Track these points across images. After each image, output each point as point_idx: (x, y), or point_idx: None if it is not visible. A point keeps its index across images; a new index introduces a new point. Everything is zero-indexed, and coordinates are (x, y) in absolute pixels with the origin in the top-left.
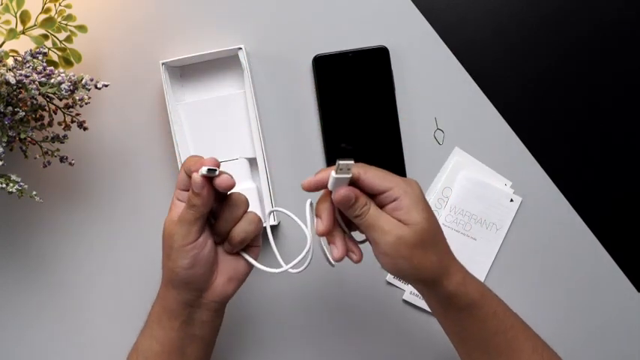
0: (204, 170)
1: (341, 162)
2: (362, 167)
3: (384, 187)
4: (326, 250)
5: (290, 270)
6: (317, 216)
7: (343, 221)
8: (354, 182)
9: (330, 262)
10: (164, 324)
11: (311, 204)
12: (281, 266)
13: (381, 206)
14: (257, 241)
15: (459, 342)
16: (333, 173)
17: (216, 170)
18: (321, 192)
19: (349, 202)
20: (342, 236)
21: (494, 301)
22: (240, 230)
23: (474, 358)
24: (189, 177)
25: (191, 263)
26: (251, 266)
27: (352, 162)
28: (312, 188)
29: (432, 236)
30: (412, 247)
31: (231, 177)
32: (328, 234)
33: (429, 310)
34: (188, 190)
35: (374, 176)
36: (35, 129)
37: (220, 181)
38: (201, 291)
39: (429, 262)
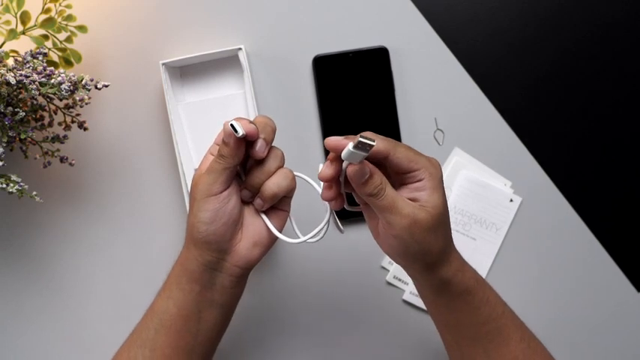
0: (239, 128)
1: (362, 139)
2: (391, 144)
3: (412, 167)
4: (336, 218)
5: (309, 240)
6: (321, 179)
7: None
8: (380, 159)
9: (339, 229)
10: (183, 286)
11: None
12: (298, 237)
13: (403, 184)
14: (286, 205)
15: (448, 330)
16: (350, 145)
17: (239, 129)
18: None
19: (362, 177)
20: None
21: (487, 288)
22: (273, 184)
23: (463, 346)
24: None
25: (212, 217)
26: (273, 231)
27: (374, 143)
28: (331, 148)
29: (444, 219)
30: (426, 230)
31: (267, 144)
32: (333, 199)
33: None
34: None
35: (404, 156)
36: (35, 129)
37: (257, 148)
38: (223, 252)
39: (436, 246)
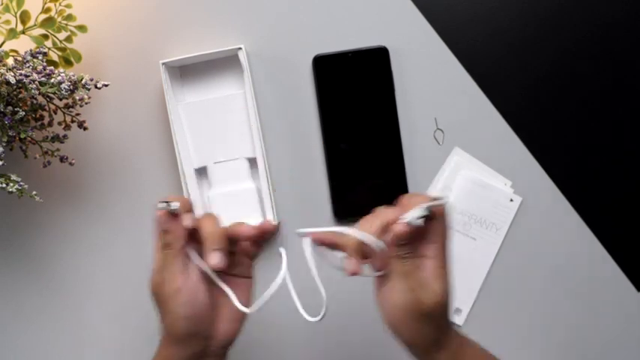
0: (173, 205)
1: (436, 202)
2: (447, 210)
3: (438, 242)
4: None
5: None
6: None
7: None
8: (429, 219)
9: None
10: None
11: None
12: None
13: (417, 256)
14: (246, 271)
15: None
16: (417, 214)
17: (172, 203)
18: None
19: (403, 240)
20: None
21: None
22: (208, 225)
23: None
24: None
25: (189, 309)
26: (248, 299)
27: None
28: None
29: (443, 310)
30: (425, 315)
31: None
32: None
33: None
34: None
35: (443, 228)
36: (35, 129)
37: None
38: (208, 339)
39: (431, 333)
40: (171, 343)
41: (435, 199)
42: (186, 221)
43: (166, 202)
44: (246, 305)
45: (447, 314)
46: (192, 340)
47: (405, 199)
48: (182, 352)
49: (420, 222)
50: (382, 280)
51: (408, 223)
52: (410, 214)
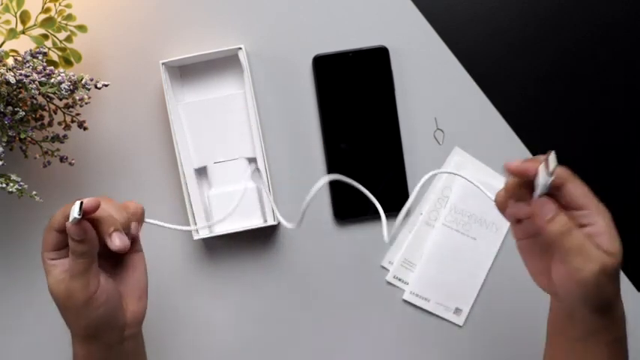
0: (75, 213)
1: (552, 165)
2: (568, 173)
3: (584, 204)
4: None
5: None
6: (508, 216)
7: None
8: (555, 184)
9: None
10: None
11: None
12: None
13: (576, 224)
14: (137, 245)
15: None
16: (544, 173)
17: (74, 211)
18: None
19: (550, 212)
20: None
21: (626, 340)
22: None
23: None
24: (58, 231)
25: (105, 311)
26: (145, 273)
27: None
28: (514, 172)
29: (620, 266)
30: (611, 277)
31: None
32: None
33: (429, 310)
34: (55, 250)
35: (580, 190)
36: (35, 129)
37: (114, 243)
38: (122, 326)
39: (614, 293)
40: (90, 341)
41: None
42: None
43: (79, 209)
44: (144, 278)
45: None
46: (109, 332)
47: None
48: (102, 347)
49: (546, 185)
50: (537, 259)
51: (543, 184)
52: (540, 185)
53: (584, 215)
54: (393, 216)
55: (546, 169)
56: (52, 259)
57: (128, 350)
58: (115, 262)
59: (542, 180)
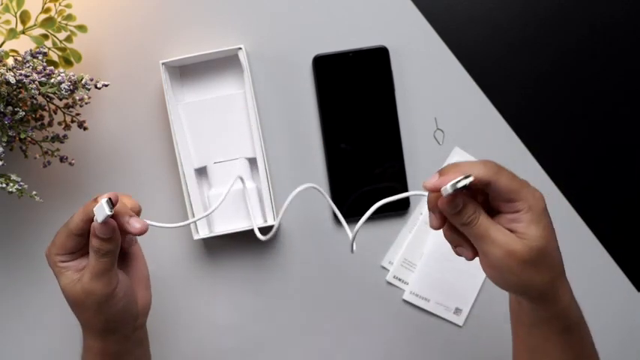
0: (107, 211)
1: (460, 185)
2: (493, 171)
3: (511, 198)
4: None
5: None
6: (430, 210)
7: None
8: (480, 184)
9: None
10: None
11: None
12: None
13: (499, 212)
14: (133, 242)
15: (528, 354)
16: (448, 187)
17: (105, 208)
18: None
19: (454, 210)
20: (465, 237)
21: (585, 328)
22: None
23: None
24: (79, 236)
25: (124, 304)
26: (145, 262)
27: (471, 179)
28: (431, 190)
29: (546, 254)
30: (523, 262)
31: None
32: (443, 227)
33: (429, 310)
34: (68, 253)
35: (505, 185)
36: (35, 129)
37: (134, 229)
38: (136, 316)
39: (538, 280)
40: (108, 335)
41: (456, 182)
42: (137, 225)
43: (110, 206)
44: (146, 268)
45: (557, 257)
46: (128, 323)
47: (443, 171)
48: (120, 338)
49: (460, 187)
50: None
51: (446, 193)
52: (443, 192)
53: (512, 206)
54: (392, 216)
55: (451, 187)
56: (65, 262)
57: (139, 338)
58: (120, 256)
59: (444, 191)
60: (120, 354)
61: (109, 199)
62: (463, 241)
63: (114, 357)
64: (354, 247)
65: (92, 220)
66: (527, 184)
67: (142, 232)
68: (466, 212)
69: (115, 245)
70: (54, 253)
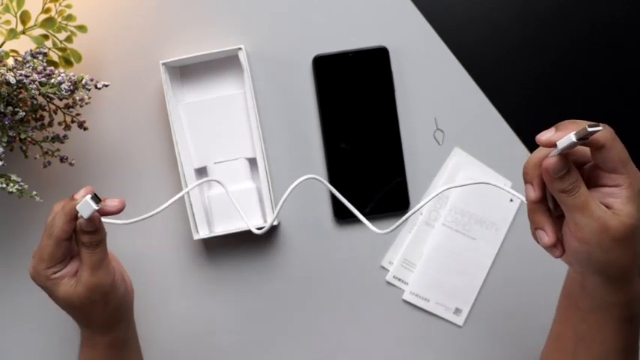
0: (94, 206)
1: (590, 129)
2: (611, 136)
3: (618, 170)
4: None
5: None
6: (527, 182)
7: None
8: (594, 149)
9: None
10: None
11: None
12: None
13: (597, 185)
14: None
15: (575, 342)
16: (572, 136)
17: (96, 200)
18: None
19: (560, 171)
20: (551, 220)
21: None
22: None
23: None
24: (67, 240)
25: (123, 288)
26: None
27: (600, 129)
28: (545, 144)
29: (637, 235)
30: (616, 240)
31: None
32: (539, 202)
33: (429, 310)
34: (59, 263)
35: (619, 153)
36: (35, 129)
37: (112, 207)
38: (132, 298)
39: (624, 260)
40: (114, 327)
41: (589, 126)
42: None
43: (96, 200)
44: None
45: (638, 244)
46: (129, 308)
47: (560, 126)
48: (124, 327)
49: (573, 145)
50: (557, 224)
51: (556, 154)
52: (559, 145)
53: (612, 178)
54: (392, 216)
55: (576, 135)
56: (57, 272)
57: (134, 322)
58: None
59: (565, 140)
60: (125, 341)
61: (94, 194)
62: (547, 223)
63: (121, 346)
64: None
65: (75, 220)
66: (632, 162)
67: (121, 209)
68: (569, 178)
69: (104, 233)
70: (43, 268)
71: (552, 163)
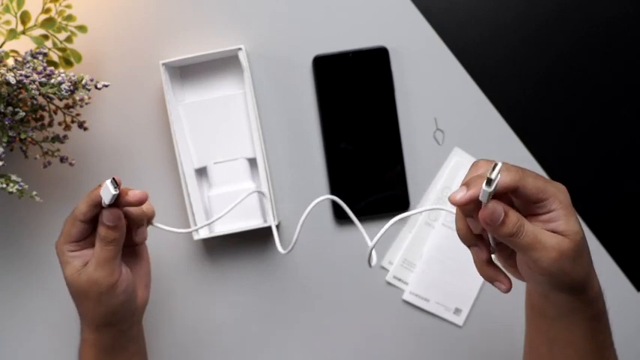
0: (112, 191)
1: (493, 176)
2: (518, 175)
3: (541, 198)
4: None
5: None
6: (470, 247)
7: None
8: (505, 191)
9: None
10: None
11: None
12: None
13: (532, 214)
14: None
15: (548, 345)
16: (484, 187)
17: (116, 186)
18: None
19: (499, 218)
20: (499, 270)
21: (607, 316)
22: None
23: None
24: (83, 222)
25: (124, 298)
26: (149, 262)
27: (500, 167)
28: (463, 204)
29: (585, 244)
30: (572, 258)
31: (132, 190)
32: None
33: (429, 310)
34: (77, 241)
35: (533, 187)
36: (35, 129)
37: (133, 197)
38: (134, 313)
39: (582, 272)
40: (104, 329)
41: (488, 173)
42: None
43: (115, 185)
44: (149, 267)
45: (587, 246)
46: (126, 319)
47: (469, 182)
48: (115, 333)
49: (486, 194)
50: (512, 264)
51: (484, 199)
52: (482, 199)
53: (542, 205)
54: (391, 216)
55: (486, 183)
56: (72, 251)
57: (134, 335)
58: (126, 251)
59: (482, 194)
60: (113, 348)
61: (113, 179)
62: (499, 273)
63: (107, 350)
64: (374, 260)
65: (97, 206)
66: (548, 179)
67: (143, 200)
68: (510, 220)
69: (120, 234)
70: (62, 243)
71: (490, 213)
